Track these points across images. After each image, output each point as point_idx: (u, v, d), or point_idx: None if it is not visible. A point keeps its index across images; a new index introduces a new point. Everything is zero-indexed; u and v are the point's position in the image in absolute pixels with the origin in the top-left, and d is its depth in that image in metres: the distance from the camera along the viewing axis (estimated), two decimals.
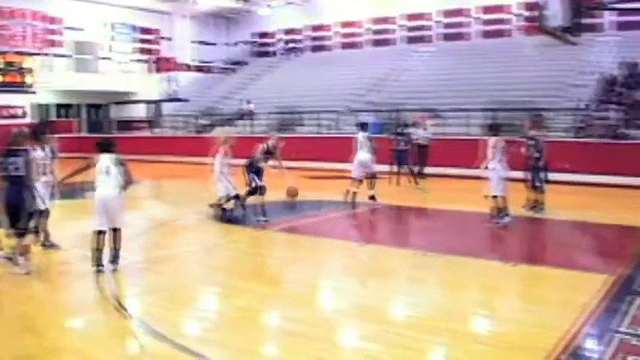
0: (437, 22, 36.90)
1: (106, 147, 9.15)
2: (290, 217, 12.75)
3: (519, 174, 13.78)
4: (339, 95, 31.14)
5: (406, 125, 19.70)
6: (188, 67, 41.90)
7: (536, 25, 12.36)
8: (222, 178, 13.15)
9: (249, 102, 32.63)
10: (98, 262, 8.89)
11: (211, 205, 13.43)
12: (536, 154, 13.78)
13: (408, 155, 18.82)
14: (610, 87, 24.69)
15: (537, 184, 13.89)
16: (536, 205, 13.88)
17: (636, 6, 24.34)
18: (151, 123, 37.35)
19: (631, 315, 6.78)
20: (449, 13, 36.30)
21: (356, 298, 7.99)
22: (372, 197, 15.42)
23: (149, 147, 30.08)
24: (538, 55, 28.05)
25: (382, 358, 5.96)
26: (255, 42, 44.71)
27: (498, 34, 34.10)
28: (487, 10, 34.98)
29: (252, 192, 13.02)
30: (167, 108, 38.04)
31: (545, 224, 13.46)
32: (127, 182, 9.06)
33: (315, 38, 41.95)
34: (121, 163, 9.02)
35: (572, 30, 12.30)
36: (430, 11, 36.93)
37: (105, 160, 8.99)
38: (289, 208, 13.35)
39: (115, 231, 9.07)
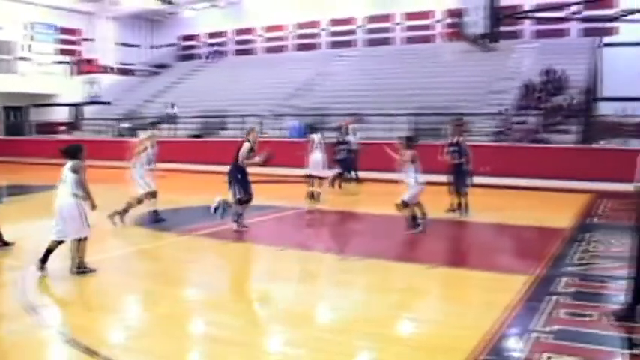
0: (361, 27, 37.24)
1: (71, 155, 8.87)
2: (213, 221, 12.60)
3: (443, 178, 14.05)
4: (263, 99, 31.14)
5: (346, 133, 19.62)
6: (111, 70, 41.17)
7: (457, 31, 12.54)
8: (139, 178, 12.90)
9: (172, 105, 32.28)
10: (42, 265, 8.70)
11: (111, 216, 12.65)
12: (460, 160, 13.98)
13: (351, 161, 19.07)
14: (529, 93, 25.38)
15: (462, 189, 14.08)
16: (460, 209, 14.10)
17: (552, 15, 25.13)
18: (72, 126, 36.51)
19: (547, 314, 6.98)
20: (373, 19, 36.71)
21: (282, 302, 7.98)
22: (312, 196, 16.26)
23: None
24: (460, 61, 28.63)
25: None
26: (179, 45, 44.25)
27: (422, 40, 34.65)
28: (411, 16, 35.54)
29: (244, 201, 12.40)
30: (89, 111, 37.32)
31: (467, 227, 13.70)
32: (82, 190, 8.76)
33: (239, 42, 41.86)
34: (74, 171, 8.72)
35: (491, 37, 12.55)
36: (355, 16, 37.25)
37: (66, 167, 8.76)
38: (212, 213, 13.14)
39: (79, 241, 8.82)
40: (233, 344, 6.37)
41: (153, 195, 13.00)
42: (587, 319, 6.84)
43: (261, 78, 34.60)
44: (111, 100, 37.85)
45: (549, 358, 5.72)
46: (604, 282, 8.55)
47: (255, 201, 12.61)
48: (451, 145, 14.17)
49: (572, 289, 7.98)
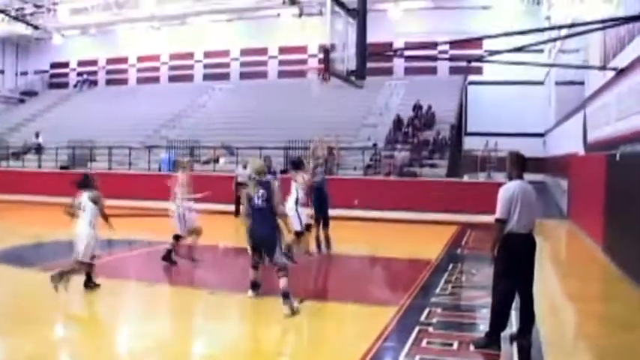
0: (236, 59, 37.36)
1: (83, 185, 9.79)
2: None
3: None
4: (133, 130, 30.57)
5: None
6: None
7: (326, 67, 12.69)
8: (180, 216, 12.11)
9: (37, 135, 31.07)
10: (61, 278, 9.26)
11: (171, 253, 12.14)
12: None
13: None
14: (400, 127, 26.09)
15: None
16: (321, 244, 13.78)
17: (419, 54, 26.08)
18: None
19: (410, 344, 7.08)
20: (247, 52, 36.90)
21: (147, 340, 7.68)
22: None
23: None
24: (333, 95, 29.06)
25: None
26: (46, 72, 42.83)
27: (296, 74, 35.03)
28: (284, 50, 35.98)
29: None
30: None
31: (337, 260, 13.64)
32: (103, 217, 9.73)
33: (111, 71, 41.01)
34: (94, 201, 9.60)
35: (358, 74, 12.78)
36: (229, 49, 37.33)
37: (83, 197, 9.64)
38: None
39: (82, 263, 9.60)
40: None
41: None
42: (447, 348, 6.99)
43: (133, 108, 33.97)
44: None
45: None
46: (466, 311, 8.78)
47: (123, 234, 12.18)
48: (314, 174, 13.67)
49: (435, 319, 8.15)
